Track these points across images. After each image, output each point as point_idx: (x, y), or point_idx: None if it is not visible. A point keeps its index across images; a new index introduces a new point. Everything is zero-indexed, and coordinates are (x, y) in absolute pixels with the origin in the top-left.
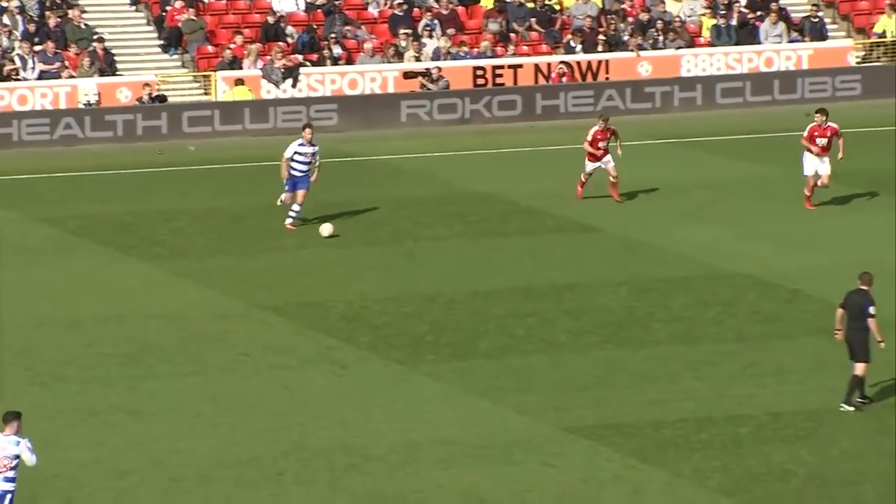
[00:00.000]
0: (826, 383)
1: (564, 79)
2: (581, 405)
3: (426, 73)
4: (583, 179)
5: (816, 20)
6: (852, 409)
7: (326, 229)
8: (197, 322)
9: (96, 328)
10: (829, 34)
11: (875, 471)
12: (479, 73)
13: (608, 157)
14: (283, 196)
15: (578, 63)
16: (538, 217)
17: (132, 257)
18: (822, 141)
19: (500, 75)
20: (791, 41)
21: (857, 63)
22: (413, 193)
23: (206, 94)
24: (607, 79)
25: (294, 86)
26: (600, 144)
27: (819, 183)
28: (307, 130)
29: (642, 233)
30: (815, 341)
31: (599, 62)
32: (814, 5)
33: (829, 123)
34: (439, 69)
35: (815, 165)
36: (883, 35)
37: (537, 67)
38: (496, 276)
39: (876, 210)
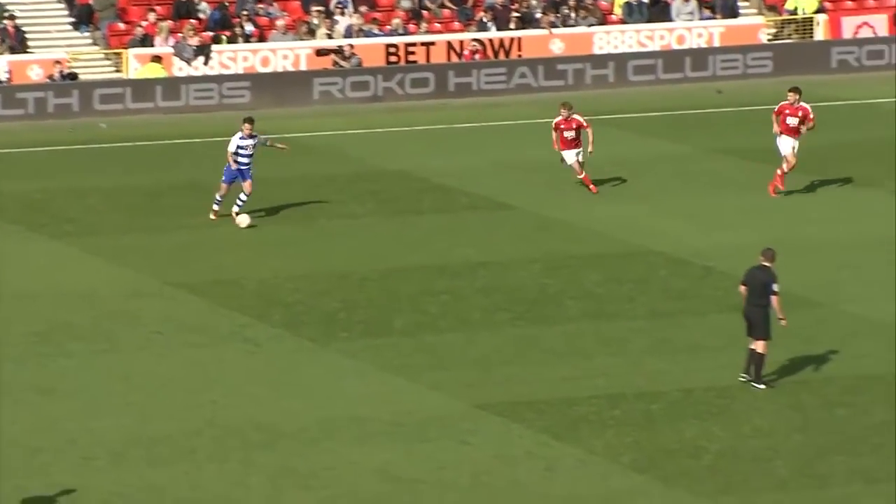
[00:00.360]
0: (738, 360)
1: (477, 56)
2: (494, 382)
3: (338, 51)
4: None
5: None
6: (763, 386)
7: (244, 220)
8: (109, 300)
9: (7, 307)
10: (741, 11)
11: (786, 447)
12: (392, 50)
13: (579, 150)
14: (218, 194)
15: (491, 40)
16: (451, 195)
17: (43, 235)
18: (792, 121)
19: (413, 53)
20: (703, 18)
21: (769, 40)
22: (325, 171)
23: (117, 71)
24: (520, 56)
25: (206, 63)
26: (566, 134)
27: (785, 164)
28: (246, 125)
29: (555, 210)
30: (726, 318)
31: (512, 40)
32: None
33: (801, 103)
34: (351, 47)
35: (788, 144)
36: (794, 12)
37: (450, 45)
38: (409, 254)
39: (788, 187)
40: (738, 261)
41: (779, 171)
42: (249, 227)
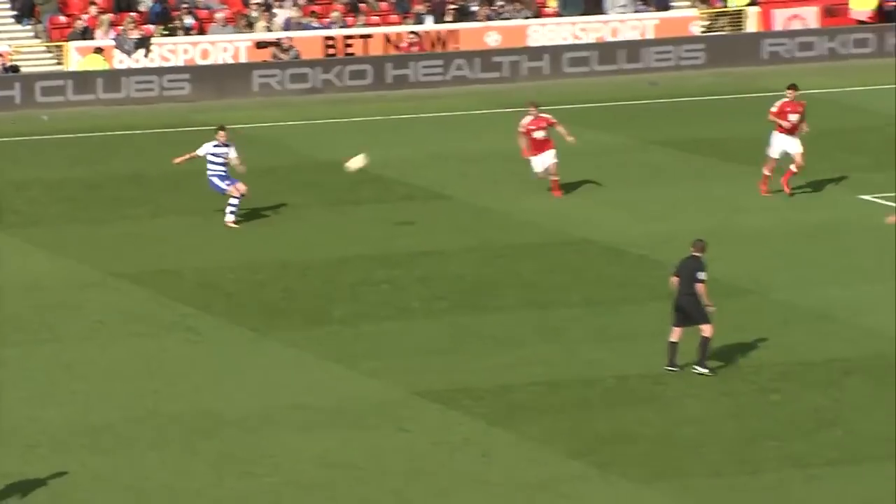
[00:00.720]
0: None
1: (414, 48)
2: (433, 370)
3: (277, 44)
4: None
5: None
6: (706, 371)
7: (357, 162)
8: (52, 291)
9: None
10: (674, 4)
11: (720, 433)
12: (330, 43)
13: (552, 153)
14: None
15: (428, 33)
16: (389, 185)
17: None
18: (794, 117)
19: (351, 45)
20: (636, 11)
21: (702, 32)
22: (266, 163)
23: (59, 64)
24: (456, 48)
25: (146, 56)
26: (536, 135)
27: (794, 165)
28: (221, 133)
29: (491, 200)
30: (661, 306)
31: (449, 32)
32: None
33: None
34: (290, 39)
35: (784, 145)
36: (726, 4)
37: (387, 37)
38: (349, 244)
39: (720, 177)
40: (672, 250)
41: (767, 171)
42: (362, 167)
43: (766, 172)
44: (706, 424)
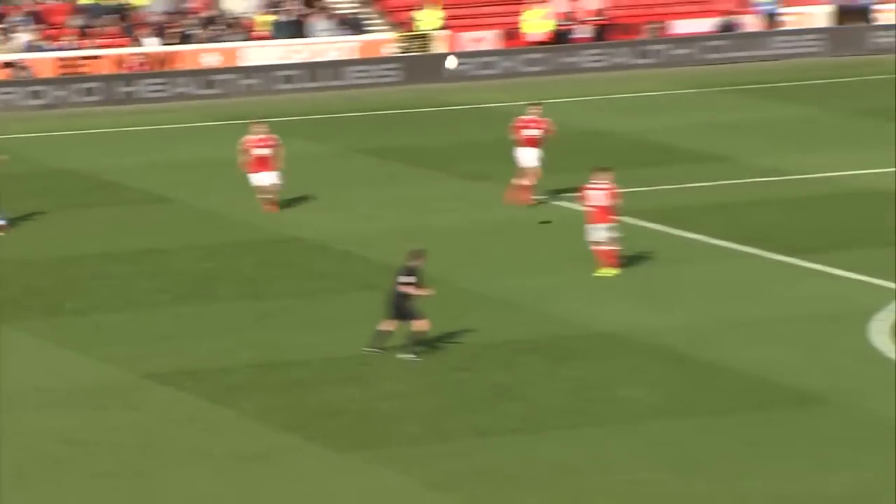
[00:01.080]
0: (371, 333)
1: (144, 68)
2: (159, 354)
3: (15, 64)
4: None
5: (361, 16)
6: (413, 356)
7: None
8: None
9: None
10: (372, 28)
11: (416, 407)
12: (64, 63)
13: (275, 174)
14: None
15: (153, 54)
16: (118, 190)
17: None
18: (533, 133)
19: (83, 65)
20: (339, 35)
21: (397, 53)
22: (5, 171)
23: None
24: (179, 68)
25: None
26: (257, 152)
27: (529, 177)
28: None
29: (211, 203)
30: (363, 295)
31: (172, 53)
32: (359, 2)
33: (536, 116)
34: (27, 60)
35: (525, 157)
36: (419, 28)
37: (116, 58)
38: (82, 243)
39: (413, 181)
40: (373, 246)
41: (518, 182)
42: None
43: (527, 183)
44: (404, 400)
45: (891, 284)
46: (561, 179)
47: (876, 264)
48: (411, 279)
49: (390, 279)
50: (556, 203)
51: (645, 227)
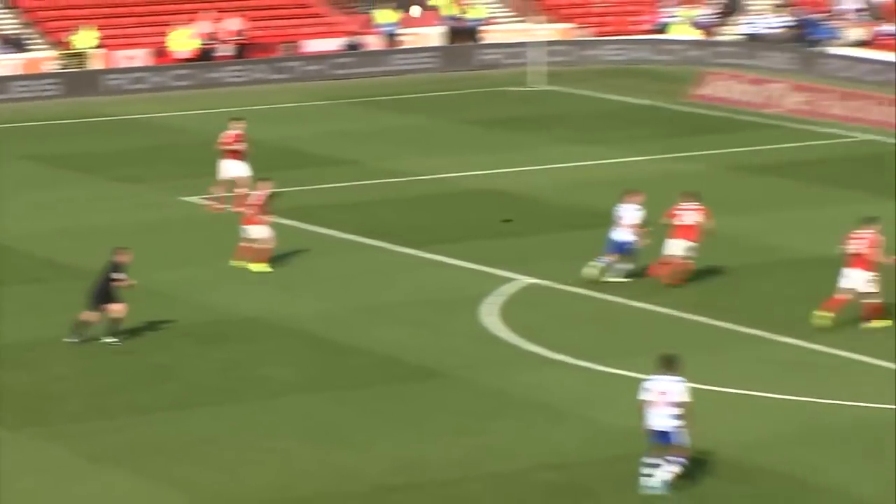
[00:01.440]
0: (37, 322)
1: None
2: None
3: None
4: None
5: (23, 36)
6: (115, 340)
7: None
8: None
9: None
10: (33, 47)
11: (81, 388)
12: None
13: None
14: None
15: None
16: None
17: None
18: (240, 145)
19: None
20: (3, 53)
21: (57, 69)
22: None
23: None
24: None
25: None
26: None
27: (240, 188)
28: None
29: None
30: (25, 288)
31: None
32: (21, 24)
33: (240, 130)
34: None
35: (231, 170)
36: (77, 47)
37: None
38: None
39: (69, 184)
40: (38, 244)
41: (217, 192)
42: None
43: (217, 193)
44: (70, 381)
45: (497, 272)
46: (208, 182)
47: (485, 254)
48: (121, 274)
49: (57, 274)
50: (203, 203)
51: (284, 224)
